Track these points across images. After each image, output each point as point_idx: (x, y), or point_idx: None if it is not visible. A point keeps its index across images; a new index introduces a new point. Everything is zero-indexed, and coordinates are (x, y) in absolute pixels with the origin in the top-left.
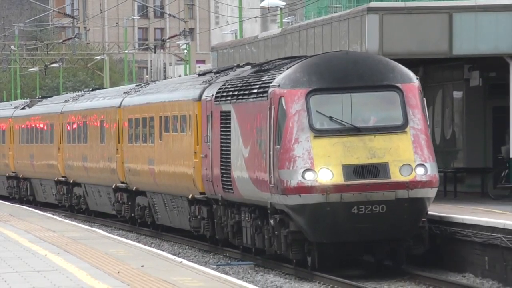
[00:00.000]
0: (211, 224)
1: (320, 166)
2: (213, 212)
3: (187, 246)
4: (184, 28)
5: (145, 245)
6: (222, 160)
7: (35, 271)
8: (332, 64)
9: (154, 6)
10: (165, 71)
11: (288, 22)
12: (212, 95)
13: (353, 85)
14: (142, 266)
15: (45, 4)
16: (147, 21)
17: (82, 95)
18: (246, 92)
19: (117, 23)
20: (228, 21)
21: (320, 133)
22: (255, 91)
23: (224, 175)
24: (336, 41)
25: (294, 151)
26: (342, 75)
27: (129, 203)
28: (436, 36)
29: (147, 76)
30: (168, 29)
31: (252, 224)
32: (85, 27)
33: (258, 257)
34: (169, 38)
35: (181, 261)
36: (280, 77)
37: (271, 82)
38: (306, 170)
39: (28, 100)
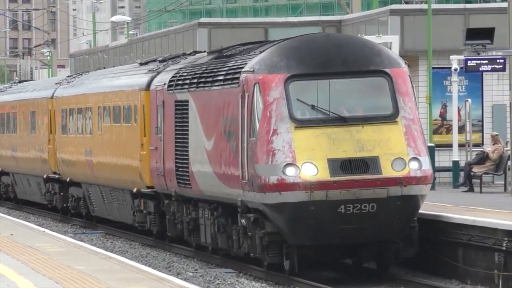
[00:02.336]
0: (158, 219)
1: (303, 161)
2: (165, 207)
3: (49, 218)
4: (48, 39)
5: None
6: (178, 153)
7: None
8: (312, 47)
9: (23, 20)
10: (31, 74)
11: (133, 33)
12: (164, 84)
13: (336, 70)
14: (11, 234)
15: None
16: (17, 32)
17: (10, 87)
18: (209, 79)
19: None
20: (83, 33)
21: (301, 124)
22: (220, 78)
23: (179, 169)
24: (173, 50)
25: (272, 143)
26: (324, 59)
27: (61, 193)
28: None
29: (16, 78)
30: (34, 39)
31: (214, 223)
32: None
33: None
34: (35, 46)
35: (44, 231)
36: (254, 62)
37: (242, 68)
38: (287, 164)
39: None
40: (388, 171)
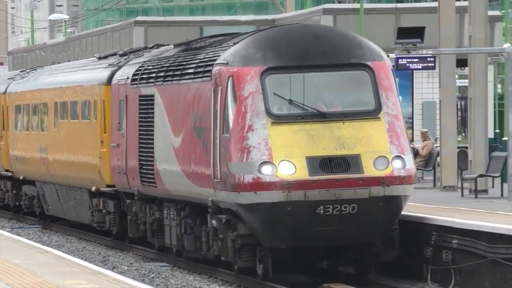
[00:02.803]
0: (118, 220)
1: (280, 159)
2: (126, 207)
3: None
4: None
5: None
6: (142, 150)
7: None
8: (290, 39)
9: None
10: None
11: (71, 32)
12: (127, 78)
13: (315, 63)
14: None
15: None
16: None
17: None
18: (177, 72)
19: None
20: (22, 31)
21: (278, 119)
22: (190, 71)
23: (144, 167)
24: (110, 48)
25: (247, 140)
26: (302, 51)
27: (14, 191)
28: None
29: None
30: None
31: (180, 223)
32: None
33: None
34: None
35: None
36: (228, 54)
37: (215, 60)
38: (264, 163)
39: None
40: (370, 170)
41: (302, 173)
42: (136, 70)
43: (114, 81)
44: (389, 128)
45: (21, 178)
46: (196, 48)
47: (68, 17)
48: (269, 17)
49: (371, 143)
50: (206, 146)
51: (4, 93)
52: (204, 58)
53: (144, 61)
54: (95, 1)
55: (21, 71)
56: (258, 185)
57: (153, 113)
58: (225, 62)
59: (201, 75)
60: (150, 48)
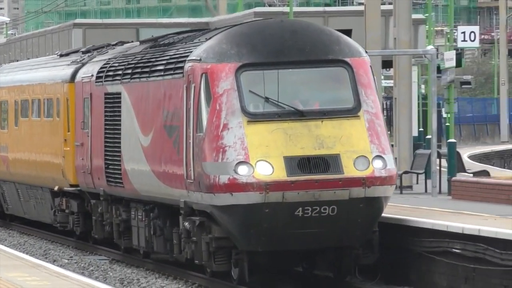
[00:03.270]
0: (82, 220)
1: (257, 158)
2: (91, 207)
3: None
4: None
5: None
6: (107, 149)
7: None
8: (266, 34)
9: None
10: None
11: (12, 33)
12: (92, 75)
13: (292, 59)
14: None
15: None
16: None
17: None
18: (146, 69)
19: None
20: None
21: (255, 118)
22: (160, 67)
23: (110, 167)
24: (49, 49)
25: (223, 139)
26: (278, 47)
27: None
28: None
29: None
30: None
31: (149, 225)
32: None
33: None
34: None
35: None
36: (200, 50)
37: (186, 56)
38: (240, 163)
39: None
40: (350, 170)
41: (280, 173)
42: (101, 68)
43: (78, 78)
44: (369, 126)
45: None
46: (165, 45)
47: (8, 19)
48: (204, 19)
49: (351, 142)
50: (178, 145)
51: None
52: (175, 54)
53: (109, 58)
54: (35, 4)
55: None
56: (234, 186)
57: (119, 111)
58: (198, 58)
59: (171, 72)
60: (113, 45)
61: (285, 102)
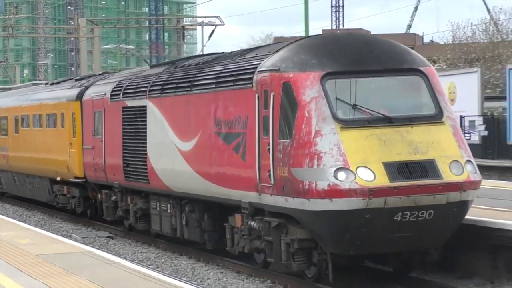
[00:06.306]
0: (83, 202)
1: (357, 164)
2: (103, 196)
3: None
4: None
5: None
6: (127, 151)
7: None
8: (341, 45)
9: None
10: None
11: None
12: (105, 94)
13: (370, 68)
14: None
15: None
16: None
17: None
18: (185, 84)
19: None
20: None
21: (347, 124)
22: (207, 82)
23: (129, 165)
24: None
25: (316, 145)
26: (356, 57)
27: None
28: None
29: None
30: None
31: (178, 215)
32: None
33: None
34: None
35: None
36: (274, 60)
37: (254, 68)
38: (339, 169)
39: None
40: (448, 175)
41: (382, 179)
42: (115, 87)
43: (87, 97)
44: (454, 132)
45: None
46: (202, 63)
47: None
48: None
49: (442, 147)
50: (244, 150)
51: None
52: (226, 69)
53: (120, 81)
54: None
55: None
56: (335, 192)
57: (144, 120)
58: (277, 68)
59: (231, 83)
60: (99, 74)
61: (372, 109)
